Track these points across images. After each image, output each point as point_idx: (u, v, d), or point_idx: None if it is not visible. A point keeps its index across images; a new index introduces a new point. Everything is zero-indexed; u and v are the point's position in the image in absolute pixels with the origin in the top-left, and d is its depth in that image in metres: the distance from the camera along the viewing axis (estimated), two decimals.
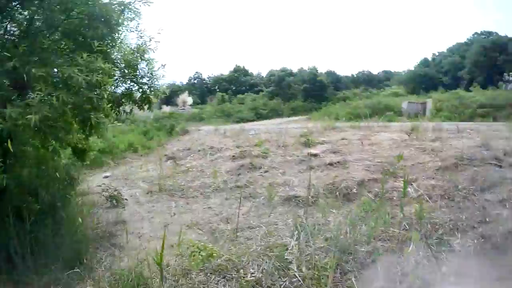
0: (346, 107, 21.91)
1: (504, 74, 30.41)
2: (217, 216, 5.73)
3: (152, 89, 4.88)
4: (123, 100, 4.96)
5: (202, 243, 4.29)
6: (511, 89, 25.59)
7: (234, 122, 26.46)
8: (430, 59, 42.02)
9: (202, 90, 49.74)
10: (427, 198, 5.25)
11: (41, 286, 3.70)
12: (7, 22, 4.11)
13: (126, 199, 6.69)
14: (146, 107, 5.01)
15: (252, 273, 3.69)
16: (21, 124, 3.13)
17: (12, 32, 4.23)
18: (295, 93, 39.51)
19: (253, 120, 28.40)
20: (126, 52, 4.60)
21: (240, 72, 49.23)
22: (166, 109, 30.79)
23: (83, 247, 4.38)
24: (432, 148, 7.26)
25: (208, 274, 3.78)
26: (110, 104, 4.45)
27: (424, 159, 6.72)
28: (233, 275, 3.74)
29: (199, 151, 10.76)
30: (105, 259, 4.35)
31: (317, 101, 35.13)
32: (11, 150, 4.27)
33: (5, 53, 3.51)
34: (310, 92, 37.99)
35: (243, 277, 3.67)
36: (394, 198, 5.23)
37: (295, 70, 44.53)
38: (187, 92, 42.10)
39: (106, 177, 9.18)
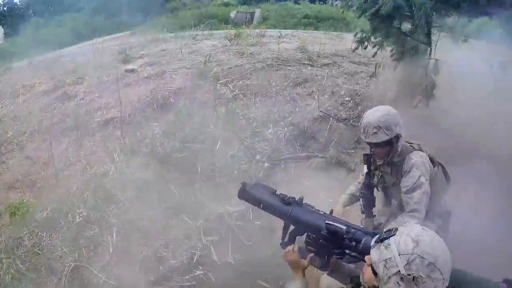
0: (173, 18, 21.16)
1: None
2: (36, 164, 5.09)
3: None
4: None
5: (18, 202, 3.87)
6: (336, 5, 28.61)
7: (52, 50, 22.91)
8: None
9: (14, 18, 40.83)
10: (242, 97, 5.68)
11: None
12: None
13: None
14: None
15: (80, 213, 3.57)
16: None
17: None
18: (121, 8, 36.16)
19: (73, 44, 25.05)
20: None
21: None
22: None
23: None
24: (251, 52, 7.73)
25: (39, 233, 3.55)
26: None
27: (242, 62, 7.12)
28: (63, 223, 3.57)
29: (10, 93, 9.12)
30: None
31: (144, 14, 32.86)
32: None
33: None
34: (137, 5, 35.23)
35: (72, 221, 3.53)
36: (210, 99, 5.45)
37: None
38: None
39: None
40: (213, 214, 3.47)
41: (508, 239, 2.84)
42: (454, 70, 8.44)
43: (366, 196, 2.70)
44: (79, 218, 3.49)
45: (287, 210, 1.81)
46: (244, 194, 1.94)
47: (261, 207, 1.90)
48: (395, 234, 1.28)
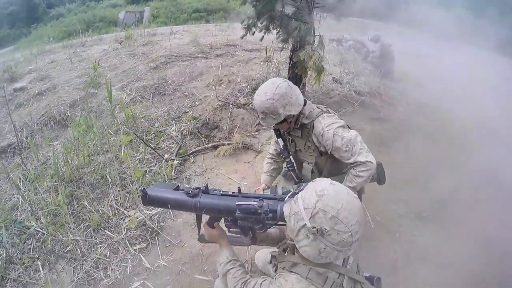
0: (59, 26, 19.20)
1: None
2: None
3: None
4: None
5: None
6: None
7: None
8: None
9: None
10: (140, 99, 5.32)
11: None
12: None
13: None
14: None
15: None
16: None
17: None
18: (0, 20, 31.46)
19: None
20: None
21: None
22: None
23: None
24: (143, 52, 7.27)
25: None
26: None
27: (135, 63, 6.67)
28: None
29: None
30: None
31: (27, 25, 28.94)
32: None
33: None
34: (18, 16, 30.87)
35: None
36: (109, 108, 4.99)
37: None
38: None
39: None
40: (134, 222, 3.24)
41: None
42: (341, 44, 9.04)
43: (292, 163, 2.65)
44: None
45: (196, 202, 1.66)
46: (148, 199, 1.72)
47: (169, 207, 1.73)
48: (303, 189, 1.32)
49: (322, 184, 1.29)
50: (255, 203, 1.58)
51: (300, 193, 1.31)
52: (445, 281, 2.84)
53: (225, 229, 1.78)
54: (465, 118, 5.52)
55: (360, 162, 2.13)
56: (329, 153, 2.27)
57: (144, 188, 1.71)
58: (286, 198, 1.42)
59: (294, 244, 1.39)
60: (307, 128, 2.33)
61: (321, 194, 1.24)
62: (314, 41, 4.67)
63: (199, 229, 1.84)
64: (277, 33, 4.87)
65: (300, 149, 2.53)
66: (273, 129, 2.58)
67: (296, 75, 5.02)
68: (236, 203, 1.60)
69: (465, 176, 3.85)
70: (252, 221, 1.62)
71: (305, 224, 1.23)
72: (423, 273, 2.90)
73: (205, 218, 1.80)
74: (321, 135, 2.23)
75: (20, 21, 30.42)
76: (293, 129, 2.41)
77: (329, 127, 2.20)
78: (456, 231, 3.30)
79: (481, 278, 2.85)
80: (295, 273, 1.34)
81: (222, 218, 1.77)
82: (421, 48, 10.05)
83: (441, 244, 3.18)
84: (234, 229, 1.74)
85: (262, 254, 2.52)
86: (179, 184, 1.81)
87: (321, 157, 2.43)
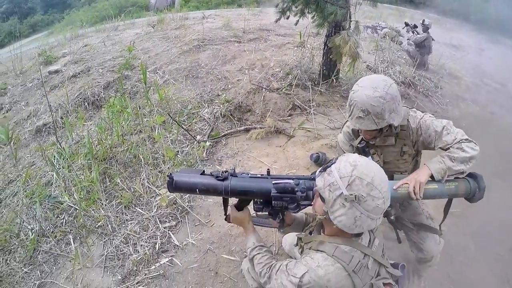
0: (92, 11, 19.93)
1: None
2: None
3: None
4: None
5: None
6: None
7: None
8: None
9: None
10: (173, 81, 5.51)
11: None
12: None
13: None
14: None
15: (32, 229, 3.27)
16: None
17: None
18: (34, 7, 32.93)
19: None
20: None
21: None
22: None
23: None
24: (175, 36, 7.50)
25: None
26: None
27: (167, 46, 6.89)
28: (16, 243, 3.22)
29: None
30: None
31: (59, 11, 30.13)
32: None
33: None
34: (51, 2, 32.19)
35: (26, 239, 3.21)
36: (142, 90, 5.20)
37: None
38: None
39: None
40: (164, 201, 3.39)
41: None
42: (376, 31, 8.93)
43: None
44: (32, 234, 3.20)
45: (226, 185, 1.66)
46: (175, 185, 1.72)
47: (198, 192, 1.71)
48: (335, 162, 1.38)
49: (353, 156, 1.37)
50: (292, 181, 1.63)
51: (333, 165, 1.37)
52: None
53: (253, 212, 1.82)
54: (502, 114, 5.33)
55: (466, 139, 1.94)
56: (432, 145, 2.04)
57: (170, 173, 1.73)
58: (317, 173, 1.46)
59: (321, 222, 1.46)
60: (403, 130, 2.08)
61: (355, 164, 1.31)
62: (349, 26, 4.65)
63: (225, 210, 1.89)
64: (312, 17, 4.88)
65: (391, 160, 2.19)
66: (360, 146, 2.10)
67: (331, 61, 5.04)
68: (273, 182, 1.64)
69: (497, 176, 3.71)
70: (287, 201, 1.65)
71: (342, 192, 1.29)
72: None
73: (231, 200, 1.84)
74: (420, 127, 2.03)
75: (52, 7, 31.69)
76: (382, 138, 2.13)
77: (422, 118, 2.04)
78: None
79: None
80: (321, 251, 1.40)
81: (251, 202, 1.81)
82: (459, 39, 9.72)
83: None
84: (262, 213, 1.78)
85: (290, 237, 2.57)
86: (205, 170, 1.84)
87: (415, 161, 2.26)
